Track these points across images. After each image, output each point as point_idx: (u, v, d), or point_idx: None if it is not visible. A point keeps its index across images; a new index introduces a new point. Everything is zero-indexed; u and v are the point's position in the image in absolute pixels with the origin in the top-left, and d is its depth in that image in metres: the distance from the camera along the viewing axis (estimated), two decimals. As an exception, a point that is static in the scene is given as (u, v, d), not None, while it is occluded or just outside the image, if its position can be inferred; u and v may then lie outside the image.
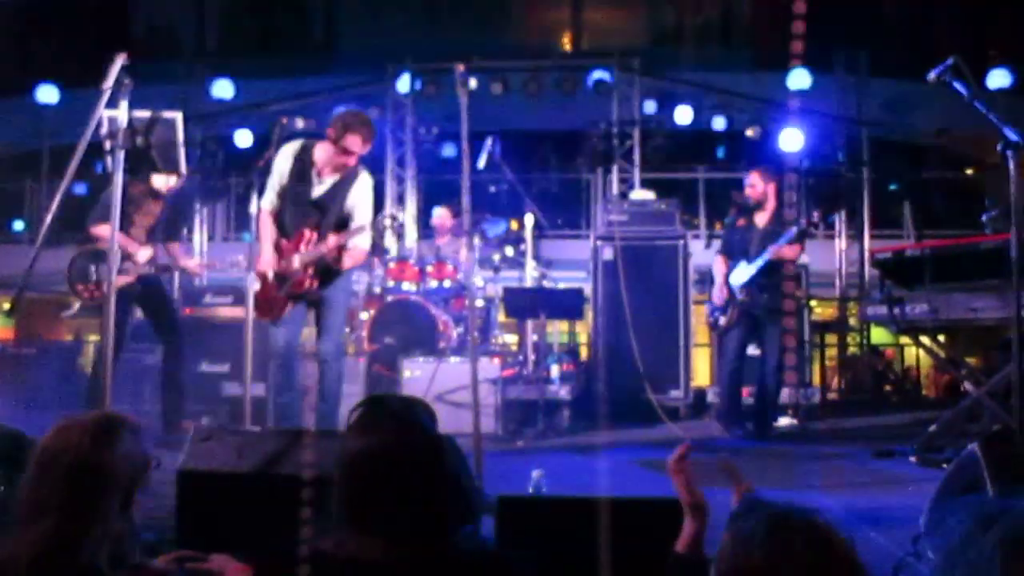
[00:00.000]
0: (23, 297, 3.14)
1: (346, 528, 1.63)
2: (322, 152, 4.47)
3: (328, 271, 4.50)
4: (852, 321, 9.39)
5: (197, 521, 2.85)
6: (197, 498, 2.89)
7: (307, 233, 4.43)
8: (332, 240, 4.40)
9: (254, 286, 4.24)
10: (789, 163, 9.90)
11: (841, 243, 9.84)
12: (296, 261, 4.42)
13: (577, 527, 2.27)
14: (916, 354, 10.24)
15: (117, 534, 1.65)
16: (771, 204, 6.05)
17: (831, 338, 9.06)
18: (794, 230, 5.79)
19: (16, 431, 3.11)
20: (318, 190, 4.49)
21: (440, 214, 7.74)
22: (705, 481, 1.99)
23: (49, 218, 3.03)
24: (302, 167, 4.46)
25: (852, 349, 9.45)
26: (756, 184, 6.06)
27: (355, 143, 4.35)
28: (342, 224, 4.50)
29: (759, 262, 5.82)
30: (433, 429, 1.76)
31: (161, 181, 5.25)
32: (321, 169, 4.48)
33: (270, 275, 4.46)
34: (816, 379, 7.64)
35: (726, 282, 6.05)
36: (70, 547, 1.56)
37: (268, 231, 4.51)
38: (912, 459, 4.72)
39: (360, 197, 4.53)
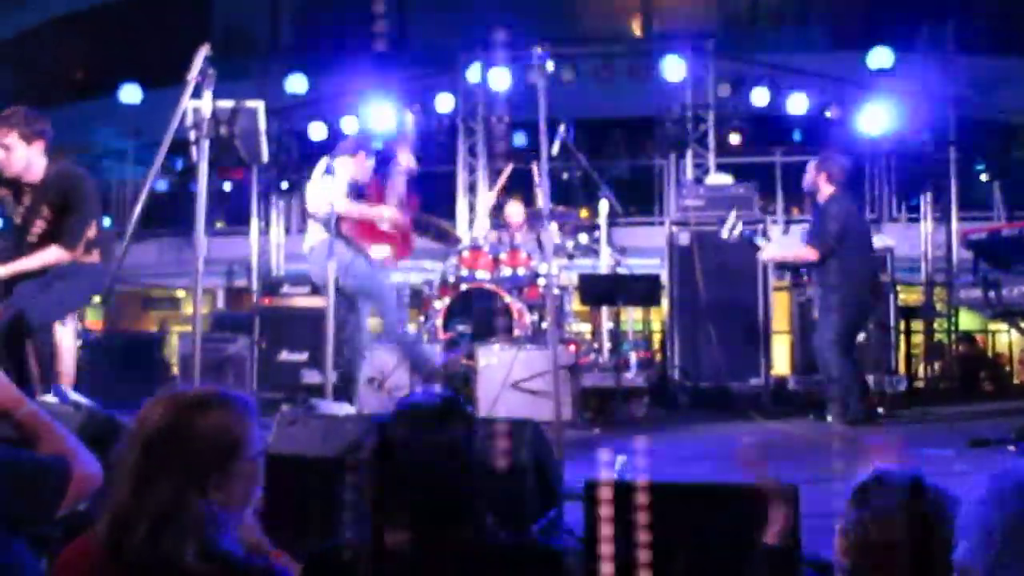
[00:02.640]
0: (114, 289, 3.22)
1: (379, 520, 1.63)
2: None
3: None
4: (939, 306, 9.05)
5: (282, 504, 2.89)
6: (283, 481, 2.93)
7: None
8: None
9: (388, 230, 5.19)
10: (870, 145, 9.59)
11: (927, 226, 9.47)
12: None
13: (666, 513, 2.22)
14: (1009, 341, 9.82)
15: (196, 520, 1.55)
16: (822, 195, 5.87)
17: (917, 324, 8.75)
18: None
19: (110, 416, 3.21)
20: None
21: (513, 211, 7.50)
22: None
23: (137, 212, 3.10)
24: None
25: (939, 335, 9.11)
26: (809, 172, 5.98)
27: None
28: None
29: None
30: (467, 421, 1.73)
31: None
32: None
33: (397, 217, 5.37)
34: (902, 366, 7.39)
35: None
36: (141, 519, 1.52)
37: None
38: (1011, 448, 4.52)
39: None
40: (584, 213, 8.03)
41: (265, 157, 3.33)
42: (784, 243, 6.04)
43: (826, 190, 5.83)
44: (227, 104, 3.10)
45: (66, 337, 4.04)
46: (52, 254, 3.84)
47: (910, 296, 9.91)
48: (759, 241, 6.10)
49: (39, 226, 3.88)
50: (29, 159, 3.85)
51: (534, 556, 1.71)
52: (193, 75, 2.99)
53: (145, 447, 1.57)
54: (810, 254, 5.77)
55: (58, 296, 3.85)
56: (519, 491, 2.80)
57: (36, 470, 1.74)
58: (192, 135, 3.12)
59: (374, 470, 1.67)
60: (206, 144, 3.02)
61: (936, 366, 8.73)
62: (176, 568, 1.51)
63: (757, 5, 14.50)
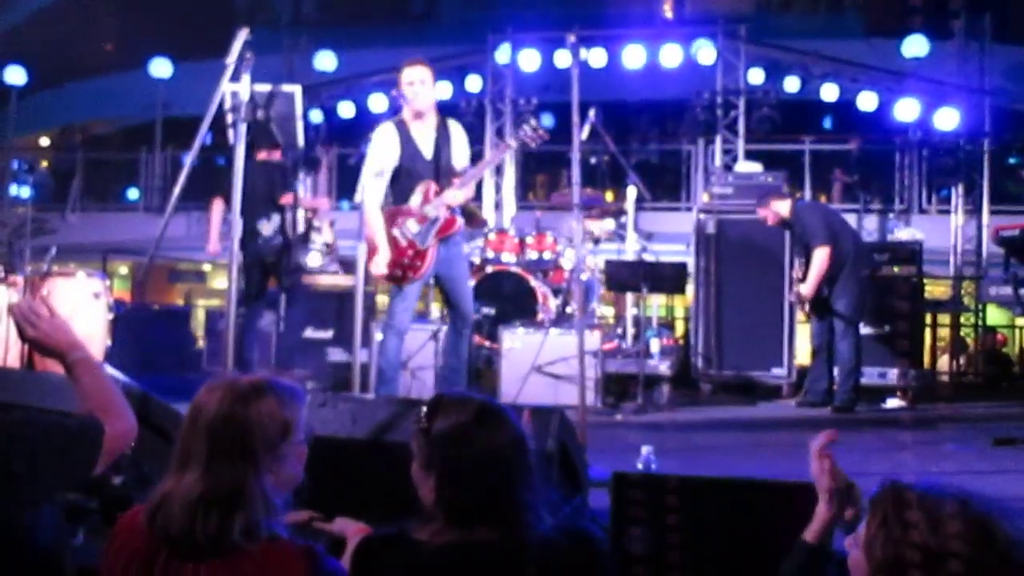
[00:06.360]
0: (152, 264, 3.27)
1: (439, 519, 1.69)
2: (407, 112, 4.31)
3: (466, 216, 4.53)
4: (967, 300, 8.96)
5: (313, 487, 2.93)
6: (312, 464, 2.98)
7: (430, 184, 4.28)
8: (470, 172, 4.32)
9: (383, 257, 4.21)
10: (902, 134, 9.47)
11: (958, 219, 9.36)
12: (434, 209, 4.26)
13: (695, 507, 2.24)
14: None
15: (250, 499, 1.66)
16: (787, 214, 6.11)
17: (943, 318, 8.67)
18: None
19: (143, 391, 3.26)
20: (425, 150, 4.32)
21: None
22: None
23: (176, 191, 3.14)
24: (404, 138, 4.30)
25: (966, 330, 9.03)
26: (765, 215, 6.21)
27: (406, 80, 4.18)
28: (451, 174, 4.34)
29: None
30: (512, 420, 1.78)
31: None
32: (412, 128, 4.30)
33: (401, 238, 4.30)
34: (927, 360, 7.33)
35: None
36: (217, 500, 1.63)
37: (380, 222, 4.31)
38: (1036, 447, 4.50)
39: (460, 147, 4.41)
40: (611, 197, 8.01)
41: (301, 141, 3.36)
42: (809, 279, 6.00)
43: (784, 208, 6.13)
44: (264, 88, 3.13)
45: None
46: None
47: (936, 289, 9.83)
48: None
49: None
50: None
51: (573, 538, 1.75)
52: (232, 58, 3.01)
53: (208, 434, 1.67)
54: (822, 255, 5.87)
55: None
56: (545, 478, 2.83)
57: (68, 430, 1.80)
58: (229, 118, 3.15)
59: (420, 468, 1.73)
60: (243, 127, 3.05)
61: (962, 361, 8.67)
62: (223, 544, 1.61)
63: (791, -10, 14.35)
